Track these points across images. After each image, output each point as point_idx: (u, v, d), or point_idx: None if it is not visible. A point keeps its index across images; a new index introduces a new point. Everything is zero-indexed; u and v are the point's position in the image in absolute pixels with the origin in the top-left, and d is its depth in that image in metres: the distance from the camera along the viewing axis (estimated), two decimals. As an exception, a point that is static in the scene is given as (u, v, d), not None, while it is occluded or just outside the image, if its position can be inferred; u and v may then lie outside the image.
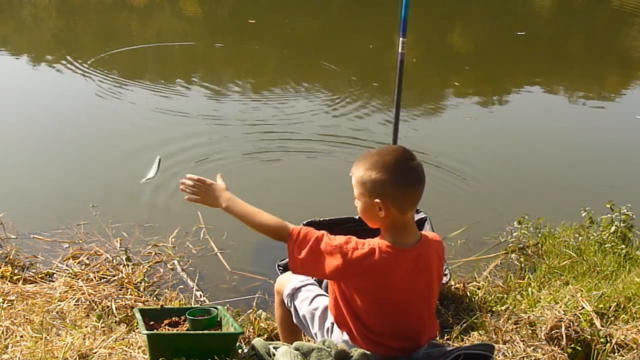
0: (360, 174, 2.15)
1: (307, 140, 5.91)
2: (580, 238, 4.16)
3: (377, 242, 2.15)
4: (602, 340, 2.94)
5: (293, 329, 2.57)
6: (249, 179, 4.98)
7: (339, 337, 2.31)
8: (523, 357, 2.81)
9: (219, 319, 2.61)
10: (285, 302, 2.52)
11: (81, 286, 3.22)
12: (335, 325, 2.32)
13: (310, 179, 5.30)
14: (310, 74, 8.21)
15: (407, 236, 2.18)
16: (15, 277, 3.38)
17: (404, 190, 2.12)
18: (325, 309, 2.38)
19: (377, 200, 2.12)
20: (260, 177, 5.17)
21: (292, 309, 2.50)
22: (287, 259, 3.69)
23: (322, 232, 2.19)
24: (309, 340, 2.56)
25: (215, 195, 2.33)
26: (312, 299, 2.43)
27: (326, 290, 2.43)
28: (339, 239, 2.15)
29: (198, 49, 9.57)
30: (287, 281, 2.54)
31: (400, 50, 2.57)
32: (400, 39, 2.57)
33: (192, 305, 3.13)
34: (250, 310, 3.14)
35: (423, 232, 2.28)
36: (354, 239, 2.16)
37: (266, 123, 6.32)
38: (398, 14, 2.75)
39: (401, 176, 2.11)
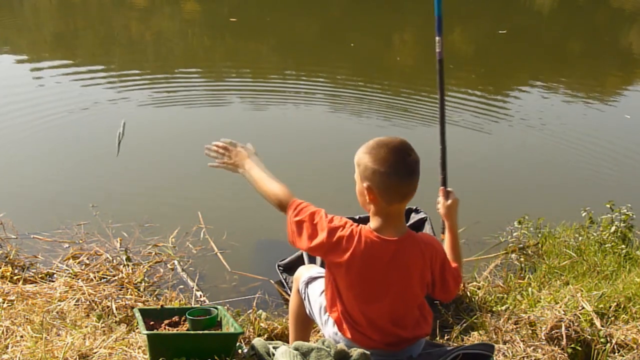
0: (359, 156, 2.21)
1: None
2: (580, 238, 4.15)
3: (362, 227, 2.22)
4: (602, 340, 2.94)
5: (304, 320, 2.57)
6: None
7: (329, 330, 2.34)
8: (523, 357, 2.81)
9: (219, 319, 2.61)
10: (300, 288, 2.55)
11: (81, 286, 3.22)
12: (330, 319, 2.35)
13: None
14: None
15: (390, 227, 2.21)
16: (15, 277, 3.37)
17: (391, 181, 2.15)
18: None
19: (366, 184, 2.17)
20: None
21: (305, 298, 2.53)
22: (287, 259, 3.75)
23: (320, 208, 2.26)
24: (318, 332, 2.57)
25: (243, 159, 2.46)
26: (322, 290, 2.46)
27: None
28: (331, 217, 2.23)
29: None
30: (306, 270, 2.58)
31: (437, 50, 2.56)
32: (437, 37, 2.55)
33: (192, 305, 3.13)
34: (250, 310, 3.14)
35: (417, 232, 2.30)
36: (344, 219, 2.24)
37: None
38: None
39: (391, 167, 2.15)
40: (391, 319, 2.27)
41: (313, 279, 2.51)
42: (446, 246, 2.44)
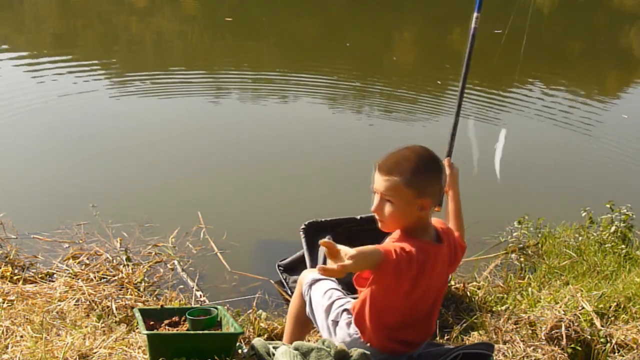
0: (406, 178, 2.14)
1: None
2: (580, 238, 4.16)
3: (420, 244, 2.15)
4: (602, 340, 2.94)
5: (303, 321, 2.59)
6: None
7: (344, 332, 2.35)
8: (523, 357, 2.81)
9: (219, 319, 2.61)
10: (303, 290, 2.56)
11: (81, 286, 3.22)
12: (342, 319, 2.36)
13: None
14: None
15: (431, 232, 2.26)
16: (15, 277, 3.37)
17: (441, 185, 2.23)
18: (334, 302, 2.43)
19: (425, 198, 2.16)
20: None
21: (307, 298, 2.54)
22: (287, 259, 3.76)
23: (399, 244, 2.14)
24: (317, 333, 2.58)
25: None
26: (326, 291, 2.48)
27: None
28: (400, 247, 2.10)
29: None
30: (310, 273, 2.60)
31: (473, 25, 2.79)
32: (475, 13, 2.78)
33: (192, 305, 3.13)
34: (250, 310, 3.14)
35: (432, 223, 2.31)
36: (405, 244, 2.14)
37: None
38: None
39: (440, 173, 2.22)
40: (431, 316, 2.34)
41: (317, 281, 2.53)
42: (452, 215, 2.53)
